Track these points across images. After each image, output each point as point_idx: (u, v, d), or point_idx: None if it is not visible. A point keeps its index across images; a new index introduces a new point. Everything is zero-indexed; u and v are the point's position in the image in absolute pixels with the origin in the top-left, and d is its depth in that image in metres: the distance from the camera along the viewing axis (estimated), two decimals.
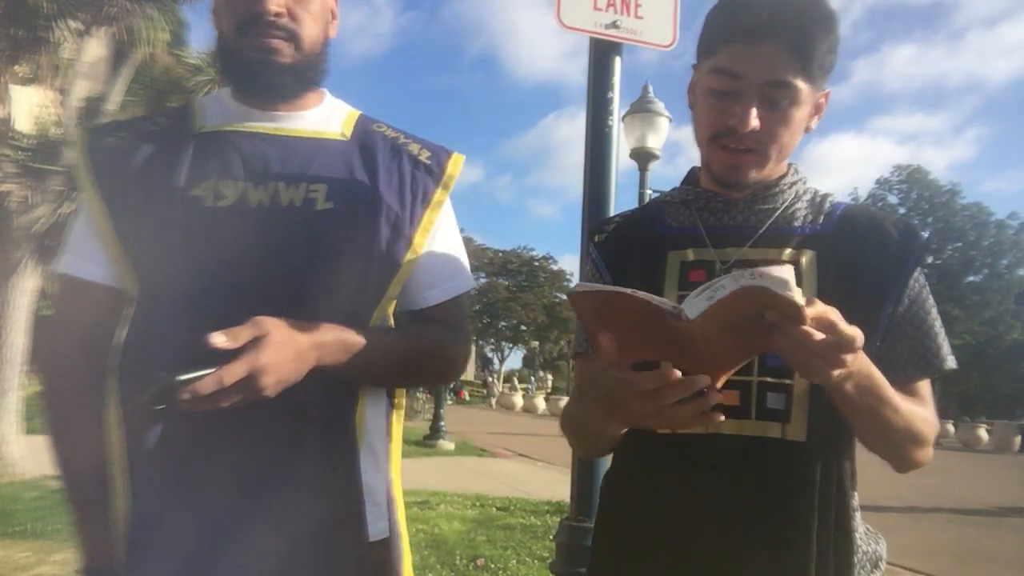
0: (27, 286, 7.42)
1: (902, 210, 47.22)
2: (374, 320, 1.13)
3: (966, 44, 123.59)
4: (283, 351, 0.95)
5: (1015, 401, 42.40)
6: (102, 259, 1.08)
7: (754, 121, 1.01)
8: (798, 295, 0.77)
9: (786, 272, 0.77)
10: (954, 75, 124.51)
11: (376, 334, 1.10)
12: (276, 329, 0.96)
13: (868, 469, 1.10)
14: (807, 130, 1.09)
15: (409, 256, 1.14)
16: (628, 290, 0.81)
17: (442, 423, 13.06)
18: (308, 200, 1.08)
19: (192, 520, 1.00)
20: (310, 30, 1.11)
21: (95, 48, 8.91)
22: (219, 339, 0.90)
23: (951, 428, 26.88)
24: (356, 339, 1.05)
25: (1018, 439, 22.74)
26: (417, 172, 1.18)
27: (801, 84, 1.01)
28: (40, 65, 7.62)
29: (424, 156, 1.20)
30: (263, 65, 1.08)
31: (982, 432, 24.04)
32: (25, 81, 8.31)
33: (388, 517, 1.15)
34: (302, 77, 1.12)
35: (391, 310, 1.17)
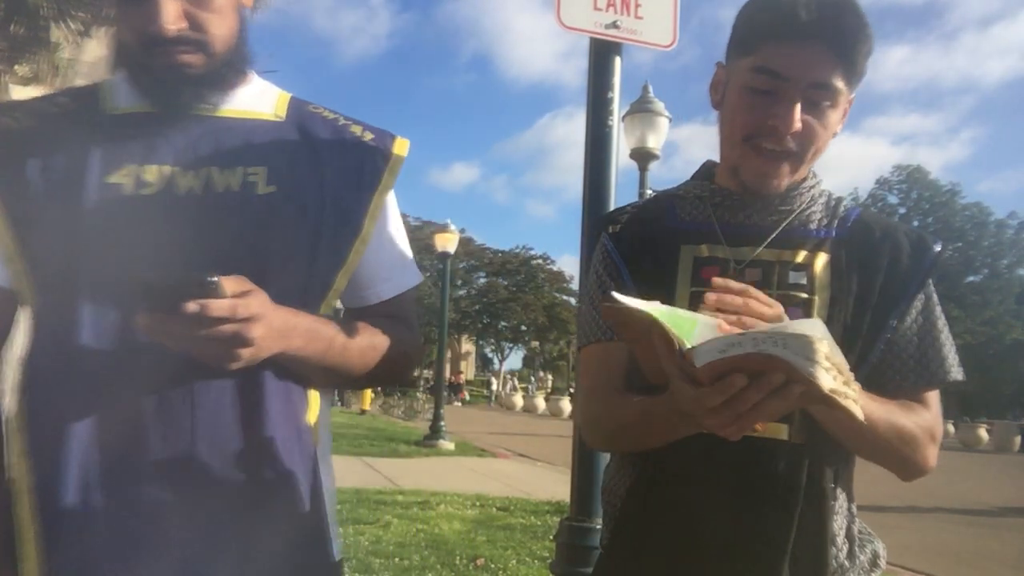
0: None
1: (902, 210, 47.27)
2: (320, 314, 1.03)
3: (959, 45, 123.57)
4: (270, 313, 0.88)
5: (1015, 401, 42.38)
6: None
7: (798, 123, 1.00)
8: (821, 373, 0.70)
9: (813, 341, 0.70)
10: (948, 76, 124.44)
11: (341, 326, 1.01)
12: (261, 291, 0.88)
13: (869, 469, 1.10)
14: (834, 134, 1.08)
15: (357, 245, 1.04)
16: (655, 313, 0.78)
17: (442, 423, 13.06)
18: (247, 184, 0.98)
19: (131, 554, 0.88)
20: (219, 30, 0.99)
21: (95, 48, 8.90)
22: (215, 277, 0.81)
23: (951, 428, 26.88)
24: (325, 329, 0.98)
25: (1018, 439, 22.74)
26: (363, 154, 1.08)
27: (841, 86, 1.01)
28: (40, 65, 7.62)
29: (368, 137, 1.10)
30: (175, 82, 0.98)
31: (982, 432, 24.04)
32: (25, 81, 8.30)
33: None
34: (220, 80, 1.01)
35: (336, 305, 1.08)
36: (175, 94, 0.99)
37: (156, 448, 0.89)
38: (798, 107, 1.00)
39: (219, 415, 0.91)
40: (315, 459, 1.00)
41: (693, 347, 0.74)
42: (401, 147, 1.12)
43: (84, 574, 0.88)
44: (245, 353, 0.86)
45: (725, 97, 1.09)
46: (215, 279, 0.79)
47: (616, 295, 0.81)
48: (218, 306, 0.80)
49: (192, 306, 0.79)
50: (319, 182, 1.03)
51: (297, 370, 0.97)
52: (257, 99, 1.07)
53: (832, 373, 0.71)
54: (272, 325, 0.88)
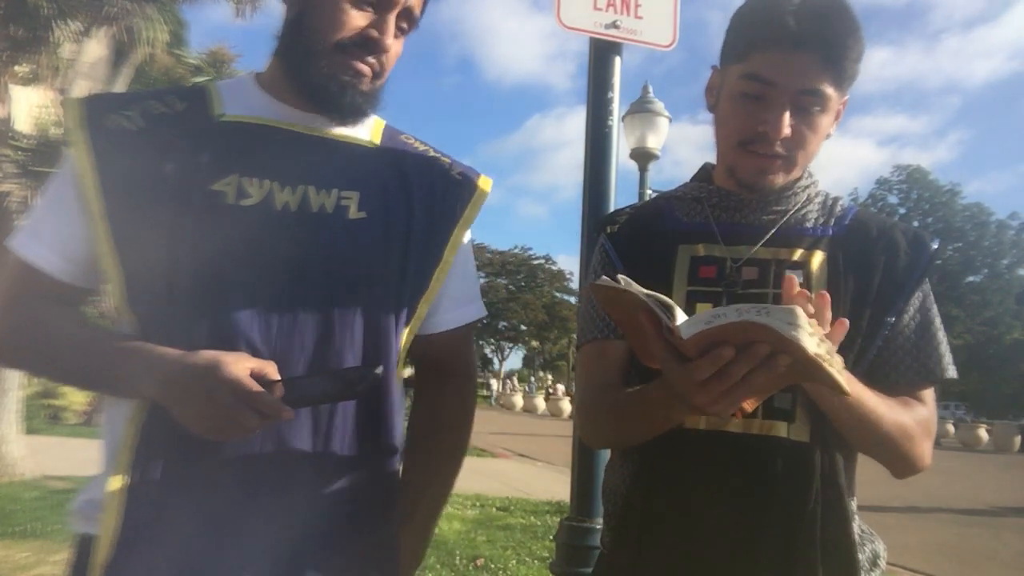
0: None
1: (902, 210, 47.31)
2: (404, 343, 1.06)
3: (943, 47, 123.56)
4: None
5: (1015, 401, 42.35)
6: (81, 253, 0.97)
7: (787, 128, 1.02)
8: (805, 337, 0.72)
9: (794, 309, 0.73)
10: (933, 78, 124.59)
11: None
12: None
13: (869, 469, 1.10)
14: (827, 136, 1.10)
15: (438, 274, 1.08)
16: (640, 291, 0.80)
17: None
18: (340, 207, 1.01)
19: (200, 533, 0.90)
20: (391, 64, 1.06)
21: (95, 48, 8.91)
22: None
23: (951, 428, 26.87)
24: None
25: (1018, 439, 22.73)
26: (449, 187, 1.12)
27: (831, 92, 1.02)
28: (40, 65, 7.62)
29: (455, 172, 1.15)
30: (347, 88, 1.01)
31: (982, 432, 24.02)
32: (25, 81, 8.31)
33: None
34: (372, 105, 1.06)
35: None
36: (340, 98, 1.01)
37: (262, 449, 0.93)
38: (787, 114, 1.02)
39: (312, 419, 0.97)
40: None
41: (679, 324, 0.76)
42: (485, 184, 1.17)
43: (163, 545, 0.90)
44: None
45: (719, 101, 1.11)
46: (379, 371, 0.92)
47: (605, 278, 0.83)
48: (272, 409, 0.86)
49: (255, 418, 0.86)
50: (408, 211, 1.06)
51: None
52: (354, 125, 1.09)
53: (816, 339, 0.73)
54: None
